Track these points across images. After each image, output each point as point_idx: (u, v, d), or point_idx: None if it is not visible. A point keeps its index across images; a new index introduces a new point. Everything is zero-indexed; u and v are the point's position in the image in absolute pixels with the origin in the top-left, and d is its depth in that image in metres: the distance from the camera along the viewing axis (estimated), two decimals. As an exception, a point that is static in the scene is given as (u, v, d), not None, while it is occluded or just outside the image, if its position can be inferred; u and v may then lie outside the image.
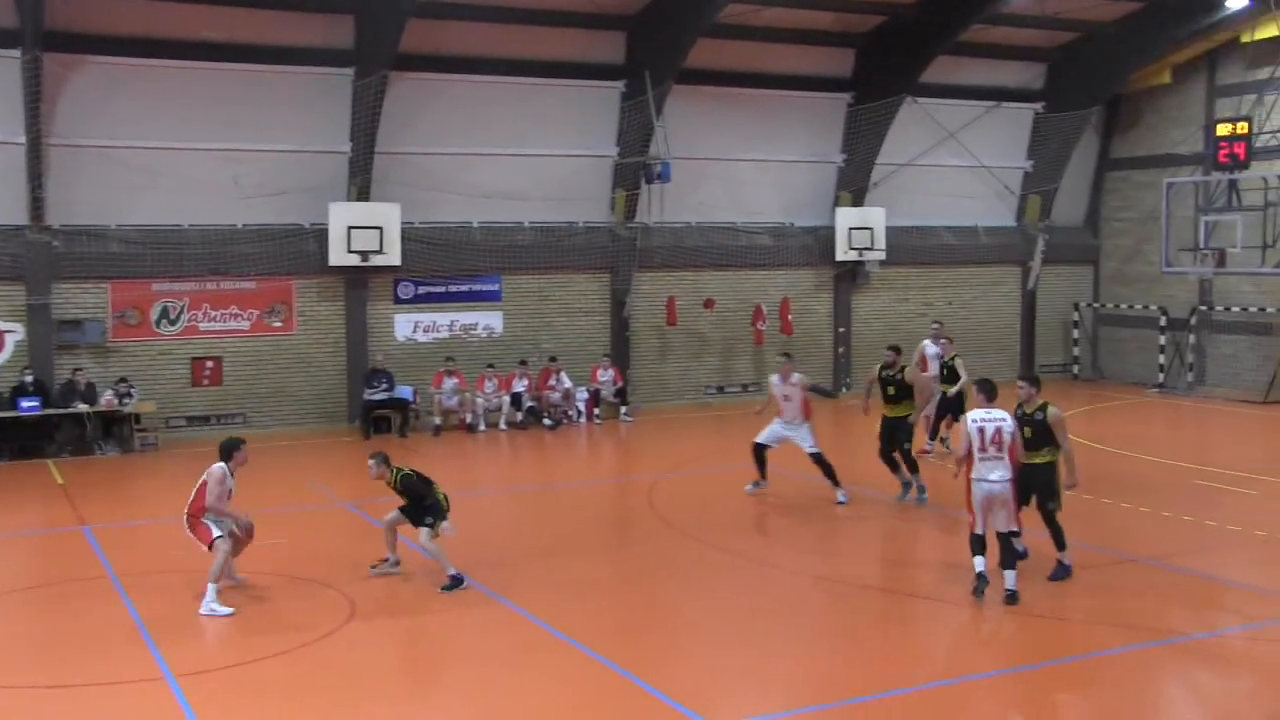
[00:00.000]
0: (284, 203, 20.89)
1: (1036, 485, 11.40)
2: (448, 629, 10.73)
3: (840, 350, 25.82)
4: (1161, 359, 26.00)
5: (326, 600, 11.12)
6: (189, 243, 20.38)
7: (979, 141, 25.88)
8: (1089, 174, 27.93)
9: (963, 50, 24.35)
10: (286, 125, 20.51)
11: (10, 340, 19.41)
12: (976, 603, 10.80)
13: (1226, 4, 23.00)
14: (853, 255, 24.95)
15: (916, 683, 9.13)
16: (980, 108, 25.84)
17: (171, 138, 19.88)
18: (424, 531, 11.56)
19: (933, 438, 17.65)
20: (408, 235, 21.34)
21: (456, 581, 11.38)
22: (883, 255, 25.16)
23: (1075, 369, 27.99)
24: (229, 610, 10.74)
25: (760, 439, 15.22)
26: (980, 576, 10.89)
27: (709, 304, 24.21)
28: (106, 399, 19.23)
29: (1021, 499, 11.22)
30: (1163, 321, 25.97)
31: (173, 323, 20.43)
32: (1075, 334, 28.00)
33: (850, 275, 25.59)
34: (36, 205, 19.12)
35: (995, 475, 10.89)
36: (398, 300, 22.02)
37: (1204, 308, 25.54)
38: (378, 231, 20.73)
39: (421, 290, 22.17)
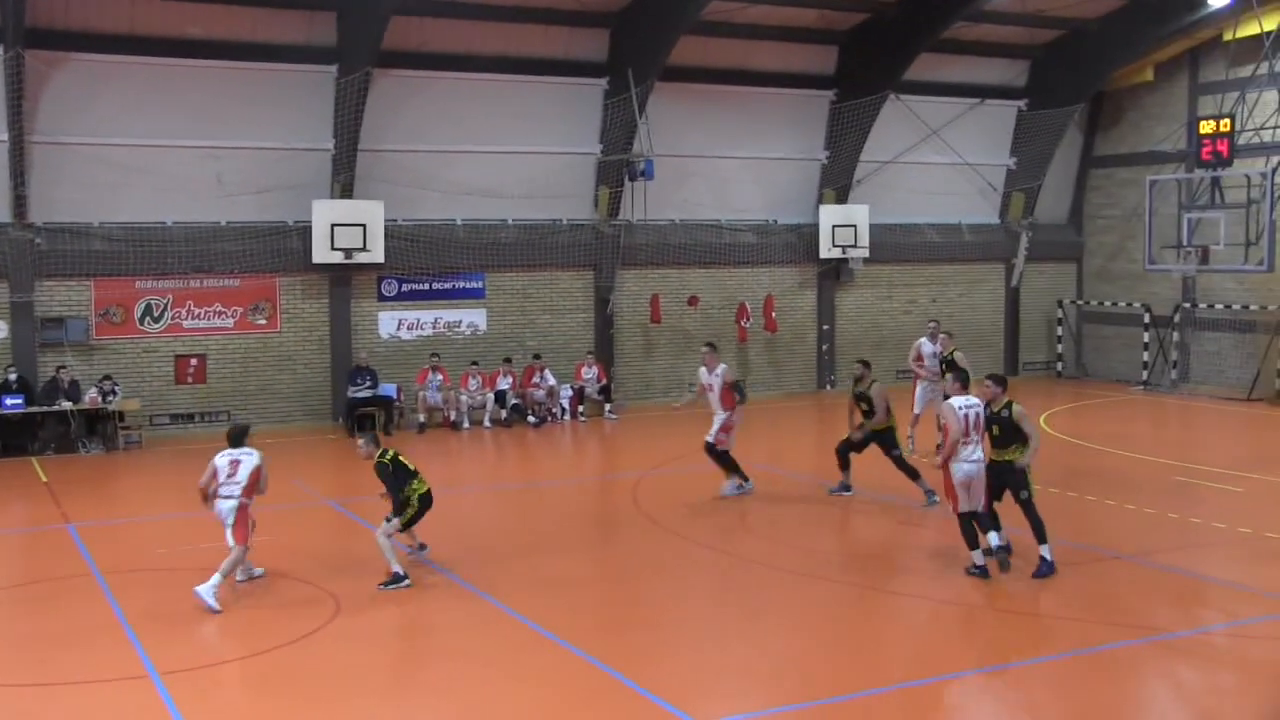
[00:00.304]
0: (267, 200, 20.81)
1: (1008, 481, 11.67)
2: (433, 627, 10.72)
3: (824, 347, 25.87)
4: (1145, 356, 26.13)
5: (311, 598, 11.09)
6: (172, 240, 20.29)
7: (962, 139, 25.95)
8: (1072, 171, 28.05)
9: (946, 47, 24.41)
10: (269, 122, 20.43)
11: (-8, 338, 19.31)
12: (1003, 576, 11.38)
13: (1209, 2, 23.14)
14: (836, 253, 25.00)
15: (901, 680, 9.15)
16: (963, 105, 25.91)
17: (154, 135, 19.78)
18: (382, 526, 11.65)
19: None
20: (391, 233, 21.29)
21: (396, 579, 11.35)
22: (866, 253, 25.21)
23: (1059, 366, 28.11)
24: (219, 609, 10.68)
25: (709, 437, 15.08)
26: (998, 550, 11.59)
27: (693, 301, 24.23)
28: (90, 397, 19.13)
29: (994, 495, 11.69)
30: (1146, 319, 26.09)
31: (156, 320, 20.33)
32: (1059, 331, 28.12)
33: (834, 273, 25.64)
34: (19, 203, 19.00)
35: (976, 456, 11.51)
36: (381, 298, 21.96)
37: (1188, 305, 25.67)
38: (361, 229, 20.67)
39: (405, 288, 22.12)
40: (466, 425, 21.34)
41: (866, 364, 15.26)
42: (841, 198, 25.24)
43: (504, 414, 21.68)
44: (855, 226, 24.98)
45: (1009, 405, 11.63)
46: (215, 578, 10.85)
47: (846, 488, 15.07)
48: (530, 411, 21.81)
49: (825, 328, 25.85)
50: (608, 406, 22.57)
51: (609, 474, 18.55)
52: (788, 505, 15.00)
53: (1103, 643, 9.80)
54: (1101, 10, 24.58)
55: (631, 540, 13.86)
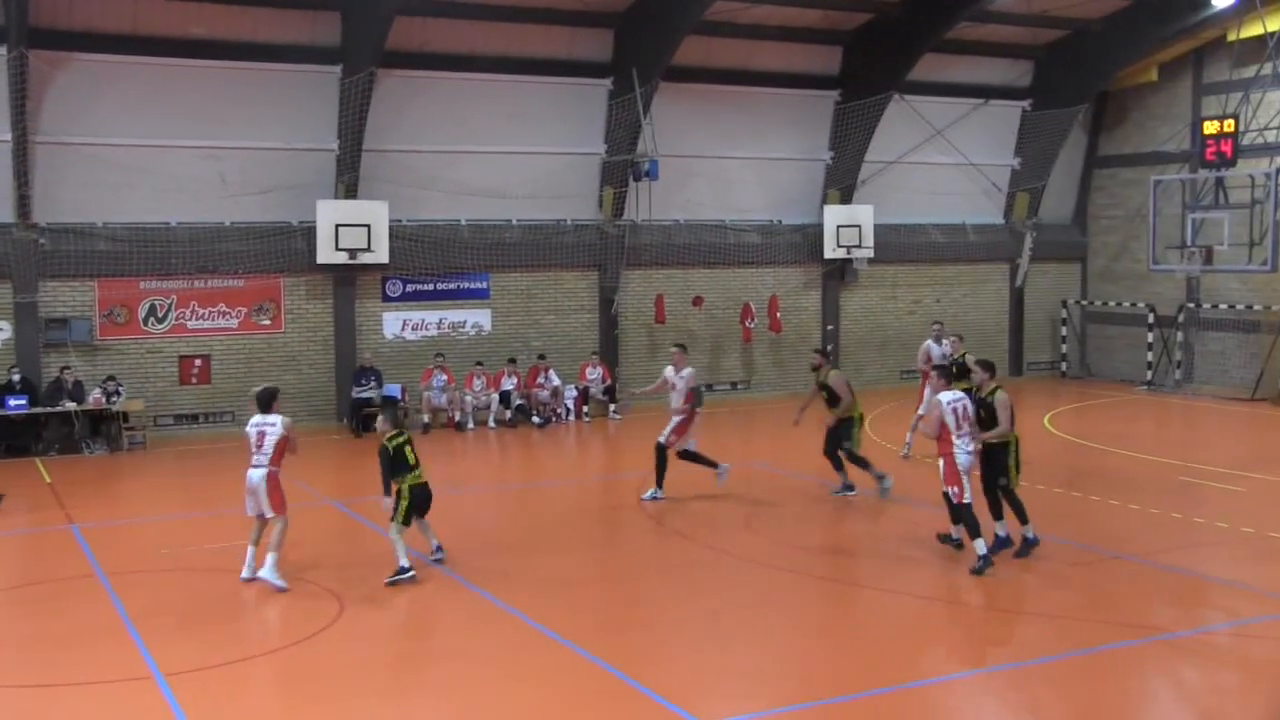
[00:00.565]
0: (271, 200, 20.83)
1: (991, 465, 12.21)
2: (436, 626, 10.73)
3: (829, 347, 25.84)
4: (1149, 356, 26.11)
5: (315, 598, 11.10)
6: (176, 240, 20.32)
7: (966, 139, 25.93)
8: (1076, 171, 28.02)
9: (950, 48, 24.40)
10: (273, 123, 20.46)
11: (-3, 339, 19.36)
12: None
13: (1213, 2, 23.10)
14: (841, 253, 24.99)
15: (903, 679, 9.15)
16: (968, 105, 25.89)
17: (158, 135, 19.81)
18: (393, 525, 11.69)
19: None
20: (395, 233, 21.31)
21: (401, 572, 11.44)
22: (871, 253, 25.20)
23: (1063, 366, 28.08)
24: (285, 585, 11.10)
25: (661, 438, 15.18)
26: (1002, 540, 12.11)
27: (697, 302, 24.23)
28: (94, 397, 19.17)
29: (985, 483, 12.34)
30: (1150, 319, 26.08)
31: (160, 321, 20.36)
32: (1063, 331, 28.09)
33: (838, 273, 25.63)
34: (23, 203, 19.04)
35: (971, 447, 11.99)
36: (386, 298, 21.98)
37: (1191, 305, 25.64)
38: (365, 229, 20.70)
39: (410, 288, 22.14)
40: (471, 426, 21.36)
41: (822, 352, 15.54)
42: (846, 198, 25.23)
43: (508, 414, 21.69)
44: (860, 227, 24.98)
45: (994, 391, 12.15)
46: (270, 556, 11.17)
47: (849, 487, 15.09)
48: (535, 412, 21.83)
49: (830, 328, 25.84)
50: (612, 407, 22.58)
51: (612, 474, 18.55)
52: (790, 505, 14.99)
53: (1105, 642, 9.79)
54: (1105, 10, 24.55)
55: (634, 540, 13.88)
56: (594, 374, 22.61)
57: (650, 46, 21.77)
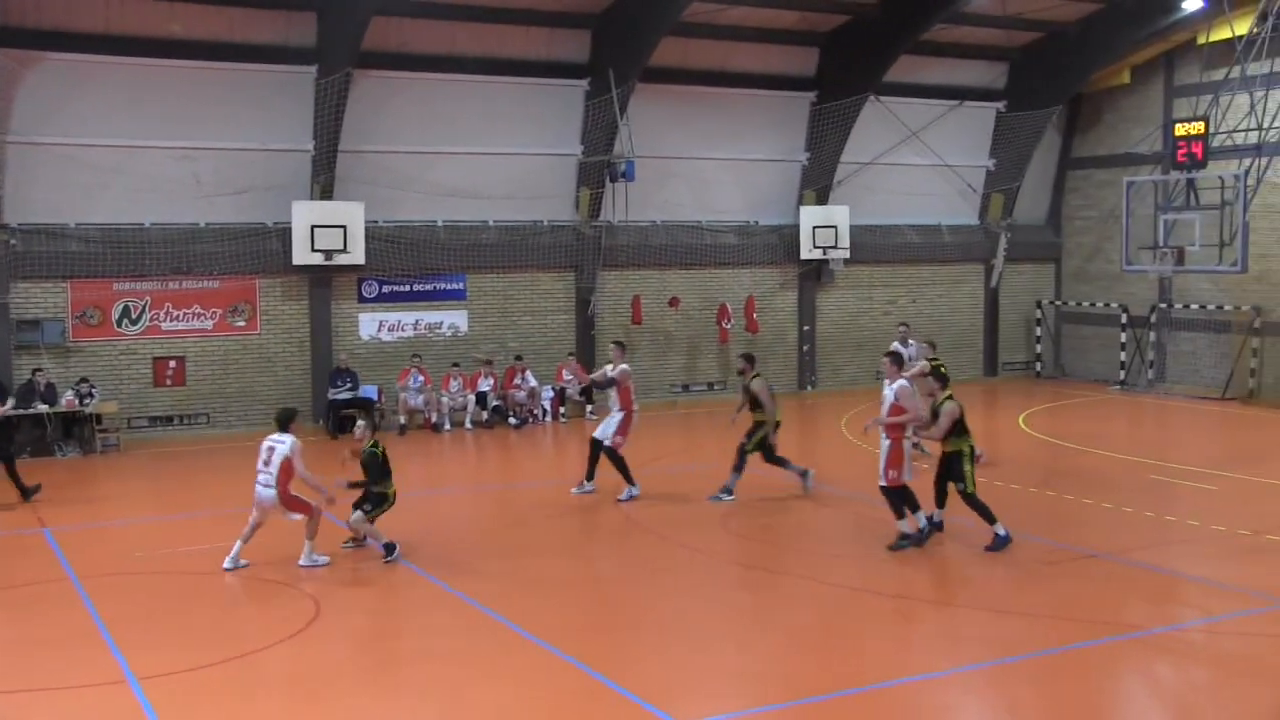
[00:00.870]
0: (246, 201, 20.72)
1: (948, 469, 12.87)
2: (412, 629, 10.70)
3: (805, 348, 25.95)
4: (1123, 356, 26.33)
5: (291, 601, 11.05)
6: (150, 241, 20.17)
7: (942, 140, 26.07)
8: (1050, 173, 28.22)
9: (926, 49, 24.53)
10: (248, 123, 20.35)
11: (-33, 341, 19.16)
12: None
13: (1183, 6, 23.33)
14: (817, 254, 25.08)
15: (882, 679, 9.20)
16: (943, 107, 26.04)
17: (132, 135, 19.66)
18: (357, 514, 12.35)
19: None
20: (371, 234, 21.24)
21: (390, 549, 12.26)
22: (847, 253, 25.31)
23: (1038, 367, 28.27)
24: (327, 559, 12.01)
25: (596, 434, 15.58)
26: (934, 522, 12.92)
27: (674, 303, 24.25)
28: (67, 399, 19.00)
29: (942, 485, 13.15)
30: (1124, 319, 26.30)
31: (134, 322, 20.21)
32: (1038, 332, 28.28)
33: (815, 273, 25.72)
34: (-7, 204, 18.88)
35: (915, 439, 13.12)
36: (362, 299, 21.90)
37: (1164, 305, 25.88)
38: (341, 230, 20.61)
39: (386, 289, 22.07)
40: (448, 427, 21.31)
41: (748, 358, 15.72)
42: (822, 199, 25.32)
43: (485, 416, 21.66)
44: (836, 227, 25.08)
45: (944, 401, 12.76)
46: (307, 544, 11.98)
47: (804, 473, 15.36)
48: (511, 413, 21.80)
49: (806, 328, 25.92)
50: (589, 408, 22.57)
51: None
52: (767, 505, 15.03)
53: (1081, 640, 9.87)
54: (1079, 14, 24.75)
55: (611, 541, 13.88)
56: (570, 375, 22.59)
57: (627, 47, 21.78)
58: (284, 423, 12.18)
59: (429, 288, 22.38)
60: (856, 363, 26.54)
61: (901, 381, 12.83)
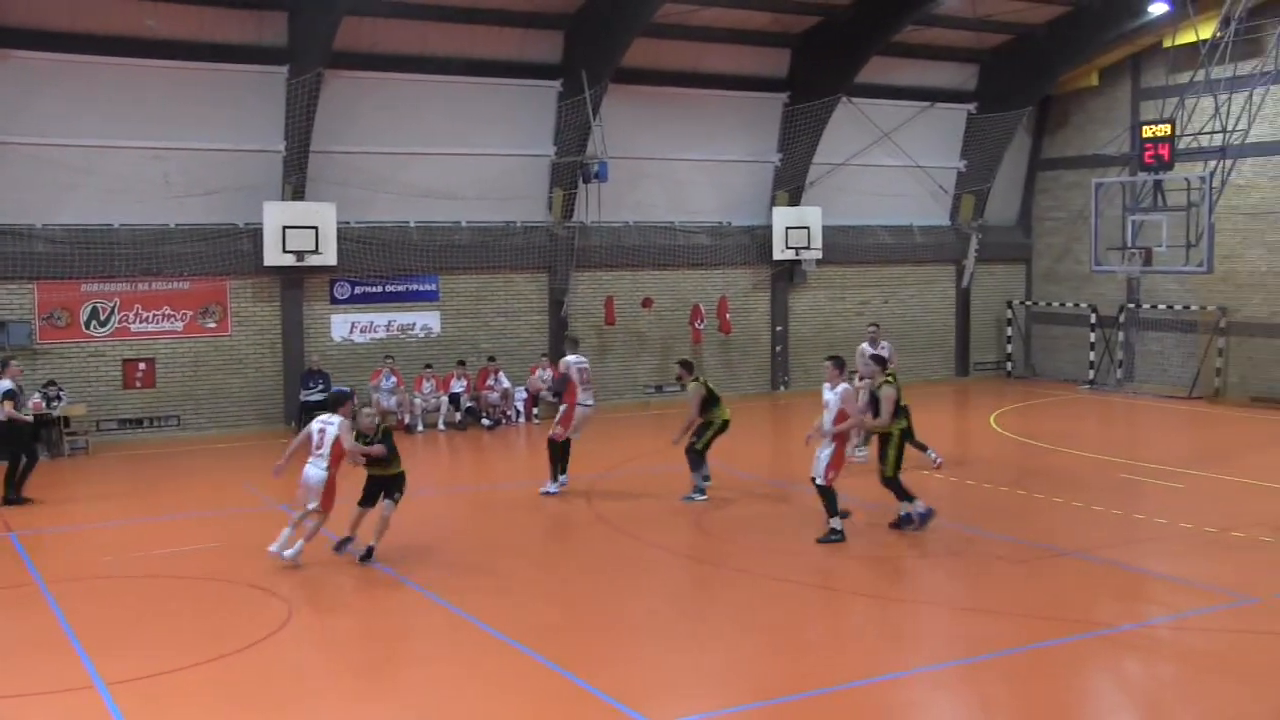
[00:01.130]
0: (217, 202, 20.58)
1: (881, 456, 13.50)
2: (386, 631, 10.66)
3: (778, 349, 26.03)
4: (1092, 356, 26.57)
5: (263, 604, 10.99)
6: (119, 242, 19.99)
7: (913, 141, 26.22)
8: (1021, 174, 28.44)
9: (897, 51, 24.67)
10: (219, 123, 20.21)
11: (-68, 343, 18.93)
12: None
13: (1148, 10, 23.58)
14: (789, 254, 25.18)
15: (854, 678, 9.25)
16: (914, 108, 26.19)
17: (99, 135, 19.48)
18: (389, 502, 12.22)
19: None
20: (344, 235, 21.14)
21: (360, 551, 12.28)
22: (819, 254, 25.41)
23: (1009, 366, 28.48)
24: (299, 563, 11.85)
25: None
26: (925, 514, 13.28)
27: (647, 303, 24.27)
28: (34, 402, 18.77)
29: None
30: (1093, 319, 26.55)
31: (103, 324, 20.04)
32: (1009, 332, 28.49)
33: (787, 274, 25.81)
34: (-42, 204, 18.67)
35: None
36: (334, 300, 21.80)
37: (1132, 305, 26.14)
38: (313, 231, 20.51)
39: (358, 290, 21.97)
40: (420, 428, 21.24)
41: (684, 364, 16.05)
42: (794, 200, 25.42)
43: (458, 417, 21.61)
44: (808, 228, 25.18)
45: (882, 385, 13.42)
46: (300, 544, 11.89)
47: (700, 491, 15.41)
48: (484, 414, 21.76)
49: (778, 329, 26.01)
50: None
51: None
52: (740, 506, 15.08)
53: (1052, 638, 9.96)
54: (1047, 16, 24.96)
55: (586, 542, 13.88)
56: (546, 374, 22.54)
57: (600, 48, 21.79)
58: (334, 405, 12.24)
59: (401, 289, 22.30)
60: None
61: (844, 385, 13.04)
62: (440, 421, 21.42)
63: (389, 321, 22.27)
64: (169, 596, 11.38)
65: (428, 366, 21.78)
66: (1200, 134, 21.88)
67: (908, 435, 14.13)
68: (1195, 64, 21.93)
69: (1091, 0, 24.01)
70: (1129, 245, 22.30)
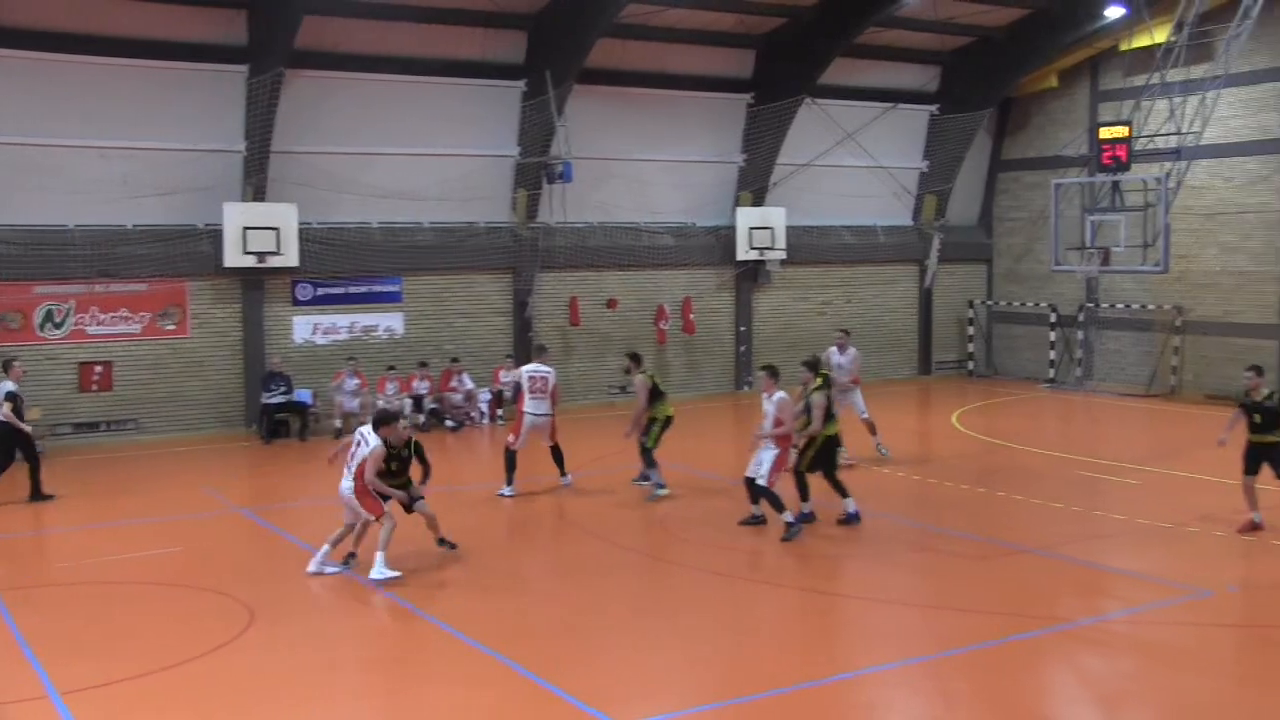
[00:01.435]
0: (176, 203, 20.35)
1: (800, 453, 13.72)
2: (348, 634, 10.57)
3: (742, 349, 26.10)
4: (1052, 355, 26.85)
5: (223, 609, 10.87)
6: (75, 244, 19.71)
7: (876, 142, 26.38)
8: (982, 175, 28.70)
9: (860, 52, 24.82)
10: (178, 123, 19.98)
11: (-117, 346, 18.59)
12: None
13: (1105, 14, 23.86)
14: (753, 255, 25.25)
15: (818, 675, 9.29)
16: (877, 109, 26.35)
17: (54, 134, 19.19)
18: (422, 503, 12.30)
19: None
20: (305, 236, 20.98)
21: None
22: (783, 254, 25.52)
23: (970, 366, 28.71)
24: (399, 573, 11.47)
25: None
26: (806, 516, 13.59)
27: (612, 304, 24.27)
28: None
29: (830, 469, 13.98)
30: (1053, 318, 26.83)
31: (58, 326, 19.75)
32: (970, 331, 28.74)
33: (751, 274, 25.89)
34: (-91, 205, 18.34)
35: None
36: (296, 302, 21.62)
37: (1091, 305, 26.44)
38: (274, 232, 20.33)
39: (320, 292, 21.81)
40: (383, 430, 21.08)
41: (632, 356, 16.20)
42: (758, 200, 25.50)
43: (422, 418, 21.49)
44: (772, 229, 25.27)
45: (813, 392, 13.59)
46: (378, 556, 11.51)
47: (645, 477, 15.69)
48: (448, 416, 21.66)
49: (742, 329, 26.08)
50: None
51: (528, 477, 18.42)
52: (705, 506, 15.08)
53: (1013, 633, 10.06)
54: (1007, 19, 25.20)
55: (551, 544, 13.86)
56: (508, 378, 22.47)
57: (564, 48, 21.75)
58: (378, 423, 11.90)
59: (364, 290, 22.16)
60: (793, 363, 26.39)
61: (780, 394, 13.20)
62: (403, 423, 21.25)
63: (351, 323, 22.12)
64: (126, 603, 11.22)
65: (391, 368, 21.64)
66: (1156, 136, 22.20)
67: (835, 442, 14.14)
68: (1151, 67, 22.22)
69: (1050, 4, 24.27)
70: (1088, 245, 22.58)
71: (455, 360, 22.15)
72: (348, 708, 8.80)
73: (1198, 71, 21.47)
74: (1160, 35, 22.60)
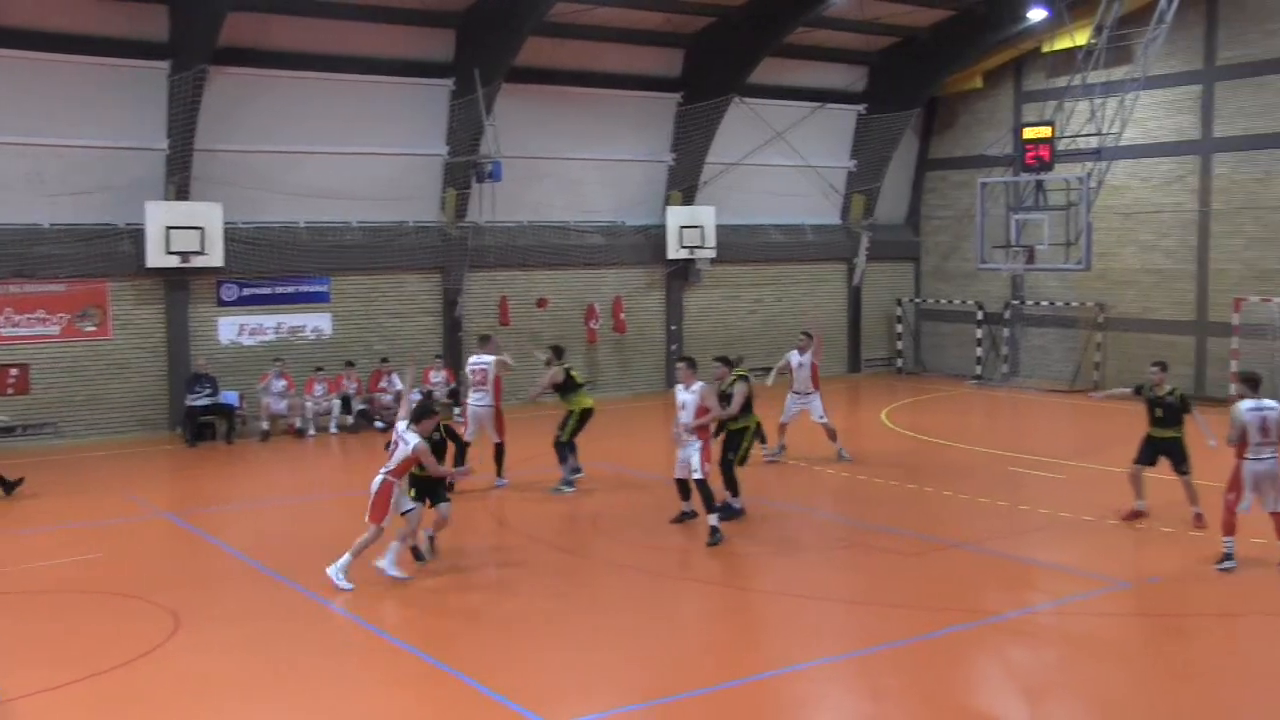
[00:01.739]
0: (96, 201, 19.86)
1: (727, 444, 14.02)
2: (278, 638, 10.39)
3: (673, 348, 26.15)
4: (979, 352, 27.32)
5: (149, 615, 10.63)
6: (-12, 243, 19.17)
7: (805, 142, 26.62)
8: (909, 174, 29.10)
9: (788, 52, 25.01)
10: (98, 120, 19.50)
11: None
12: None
13: (1028, 16, 24.33)
14: (684, 253, 25.34)
15: (751, 672, 9.35)
16: (806, 108, 26.59)
17: (-33, 131, 18.66)
18: (446, 507, 12.28)
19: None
20: (231, 235, 20.60)
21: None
22: (713, 253, 25.64)
23: (899, 363, 29.11)
24: (350, 585, 11.16)
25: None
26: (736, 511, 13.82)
27: (541, 303, 24.11)
28: (-103, 411, 17.91)
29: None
30: (979, 316, 27.30)
31: (-29, 328, 19.19)
32: (898, 329, 29.13)
33: (682, 273, 25.97)
34: None
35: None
36: (221, 303, 21.22)
37: (1016, 302, 26.96)
38: (198, 232, 19.94)
39: (246, 292, 21.43)
40: (312, 432, 20.80)
41: (555, 349, 16.56)
42: (688, 199, 25.58)
43: (350, 419, 21.24)
44: (702, 227, 25.37)
45: (734, 383, 13.99)
46: (345, 556, 11.19)
47: (575, 471, 15.82)
48: (377, 416, 21.42)
49: (673, 328, 26.15)
50: (456, 410, 22.27)
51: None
52: (636, 504, 15.11)
53: (942, 627, 10.22)
54: (933, 19, 25.57)
55: (481, 543, 13.77)
56: (438, 378, 22.28)
57: (492, 47, 21.61)
58: (418, 417, 11.66)
59: (291, 290, 21.83)
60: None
61: (700, 383, 13.34)
62: (332, 424, 21.02)
63: (278, 323, 21.77)
64: (50, 611, 10.94)
65: (319, 369, 21.35)
66: (1078, 136, 22.67)
67: (748, 435, 14.31)
68: (1073, 69, 22.70)
69: (975, 5, 24.69)
70: (1013, 244, 22.98)
71: (385, 360, 21.92)
72: (276, 711, 8.65)
73: (1118, 73, 21.98)
74: (1081, 38, 23.09)
